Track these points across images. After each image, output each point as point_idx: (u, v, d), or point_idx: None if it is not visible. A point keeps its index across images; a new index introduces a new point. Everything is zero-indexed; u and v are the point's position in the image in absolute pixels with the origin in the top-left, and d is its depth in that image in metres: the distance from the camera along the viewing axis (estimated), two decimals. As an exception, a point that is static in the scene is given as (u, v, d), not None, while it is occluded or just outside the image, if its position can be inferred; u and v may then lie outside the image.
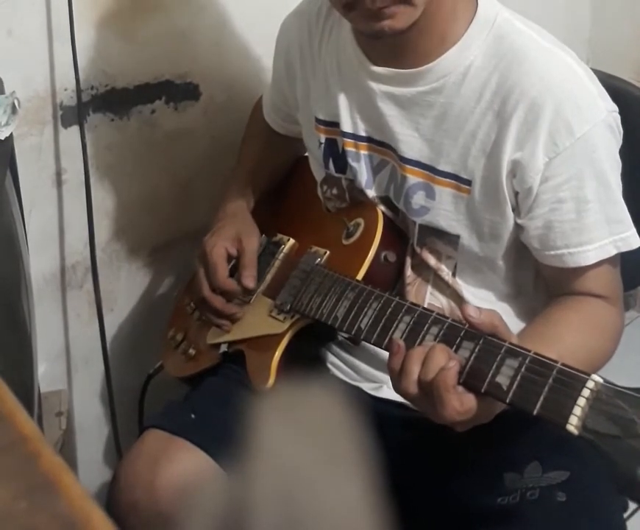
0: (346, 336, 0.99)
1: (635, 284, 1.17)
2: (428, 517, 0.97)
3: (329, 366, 1.09)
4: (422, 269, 1.00)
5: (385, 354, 0.87)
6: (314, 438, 0.33)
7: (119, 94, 1.29)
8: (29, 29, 1.17)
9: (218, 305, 1.08)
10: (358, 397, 1.02)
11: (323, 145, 1.05)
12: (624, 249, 0.90)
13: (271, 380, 0.97)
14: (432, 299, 1.00)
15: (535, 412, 0.69)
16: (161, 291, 1.47)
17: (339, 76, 1.01)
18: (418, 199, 0.96)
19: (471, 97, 0.90)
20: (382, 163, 1.00)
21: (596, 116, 0.86)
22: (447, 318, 0.81)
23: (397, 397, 1.03)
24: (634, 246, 0.91)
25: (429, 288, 1.00)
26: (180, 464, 0.95)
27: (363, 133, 1.00)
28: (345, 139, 1.02)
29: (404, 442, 1.00)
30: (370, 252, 0.98)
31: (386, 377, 1.04)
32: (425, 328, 0.81)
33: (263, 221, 1.18)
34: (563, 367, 0.70)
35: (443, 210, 0.94)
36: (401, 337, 0.83)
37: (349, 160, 1.02)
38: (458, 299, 0.99)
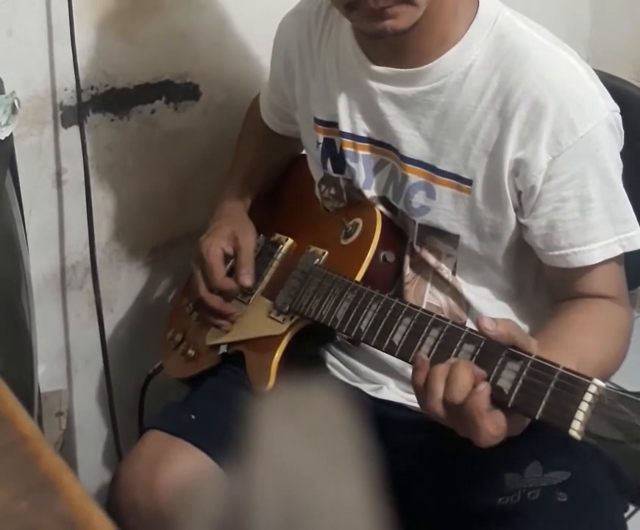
0: (345, 337, 0.99)
1: (636, 284, 1.17)
2: (428, 518, 0.97)
3: (329, 366, 1.09)
4: (421, 267, 1.00)
5: (385, 355, 0.87)
6: (314, 439, 0.33)
7: (119, 94, 1.29)
8: (29, 29, 1.17)
9: (216, 305, 1.08)
10: (358, 398, 1.02)
11: (321, 145, 1.05)
12: (629, 249, 0.90)
13: (271, 382, 0.97)
14: (431, 297, 1.00)
15: (537, 417, 0.69)
16: (161, 291, 1.47)
17: (338, 75, 1.01)
18: (419, 198, 0.96)
19: (472, 97, 0.90)
20: (382, 163, 1.00)
21: (599, 115, 0.86)
22: (447, 320, 0.80)
23: (397, 398, 1.03)
24: (639, 246, 0.90)
25: (429, 287, 1.00)
26: (180, 465, 0.95)
27: (362, 133, 1.00)
28: (343, 139, 1.01)
29: (404, 442, 1.00)
30: (369, 253, 0.98)
31: (386, 379, 1.04)
32: (425, 331, 0.81)
33: (261, 221, 1.18)
34: (565, 371, 0.69)
35: (444, 209, 0.94)
36: (401, 339, 0.83)
37: (347, 160, 1.02)
38: (458, 297, 0.99)
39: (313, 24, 1.05)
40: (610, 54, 1.91)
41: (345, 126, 1.01)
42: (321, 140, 1.05)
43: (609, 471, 0.90)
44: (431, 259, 0.98)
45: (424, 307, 0.95)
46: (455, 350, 0.77)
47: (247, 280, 1.08)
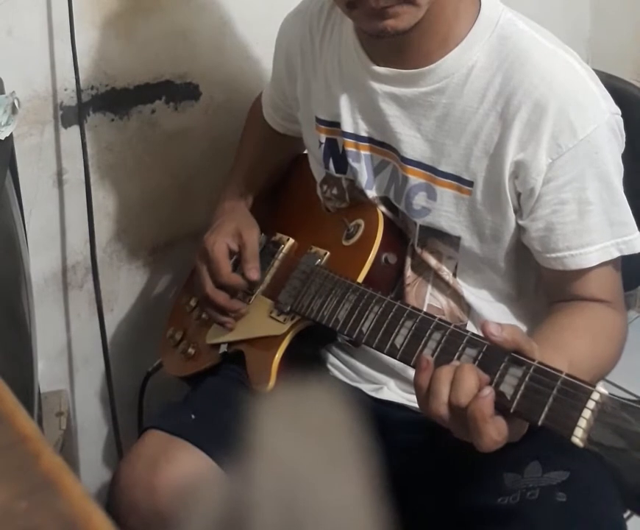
0: (347, 338, 0.99)
1: (636, 284, 1.17)
2: (428, 518, 0.97)
3: (330, 367, 1.09)
4: (422, 269, 1.00)
5: (386, 356, 0.87)
6: (314, 439, 0.33)
7: (119, 94, 1.29)
8: (29, 29, 1.17)
9: (222, 302, 1.08)
10: (358, 399, 1.02)
11: (323, 145, 1.05)
12: (627, 252, 0.90)
13: (272, 382, 0.97)
14: (432, 299, 0.99)
15: (539, 423, 0.68)
16: (161, 291, 1.47)
17: (340, 75, 1.01)
18: (420, 199, 0.95)
19: (473, 98, 0.90)
20: (383, 164, 1.00)
21: (600, 118, 0.86)
22: (450, 324, 0.80)
23: (397, 399, 1.03)
24: (637, 250, 0.90)
25: (430, 289, 0.99)
26: (180, 465, 0.95)
27: (363, 133, 1.00)
28: (345, 139, 1.01)
29: (404, 443, 1.00)
30: (370, 254, 0.98)
31: (386, 379, 1.04)
32: (427, 334, 0.80)
33: (262, 221, 1.17)
34: (568, 378, 0.69)
35: (445, 211, 0.94)
36: (403, 342, 0.83)
37: (350, 161, 1.02)
38: (458, 299, 0.99)
39: (314, 24, 1.05)
40: (610, 54, 1.92)
41: (347, 126, 1.01)
42: (323, 140, 1.05)
43: (608, 471, 0.90)
44: (432, 261, 0.98)
45: (425, 309, 0.95)
46: (458, 353, 0.76)
47: (254, 274, 1.08)
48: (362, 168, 1.01)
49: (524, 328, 0.99)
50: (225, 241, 1.10)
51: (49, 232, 1.30)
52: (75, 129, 1.25)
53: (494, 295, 0.99)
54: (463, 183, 0.92)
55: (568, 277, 0.91)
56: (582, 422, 0.66)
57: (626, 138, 0.91)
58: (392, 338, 0.84)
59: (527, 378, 0.71)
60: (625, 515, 0.95)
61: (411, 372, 0.79)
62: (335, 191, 1.07)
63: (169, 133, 1.37)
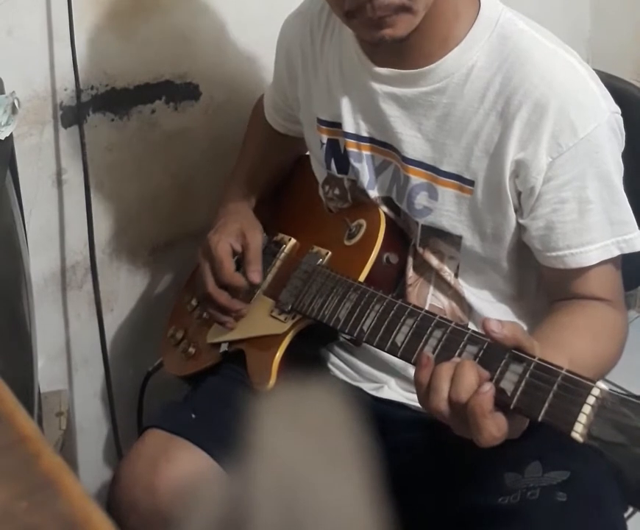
0: (348, 337, 0.99)
1: (636, 284, 1.17)
2: (429, 517, 0.97)
3: (330, 366, 1.09)
4: (424, 269, 1.00)
5: (386, 354, 0.87)
6: (315, 438, 0.33)
7: (119, 94, 1.29)
8: (29, 29, 1.17)
9: (224, 301, 1.08)
10: (359, 398, 1.02)
11: (325, 145, 1.05)
12: (627, 251, 0.90)
13: (272, 381, 0.97)
14: (434, 300, 0.99)
15: (539, 419, 0.69)
16: (161, 291, 1.47)
17: (341, 76, 1.01)
18: (421, 199, 0.95)
19: (474, 98, 0.90)
20: (385, 164, 1.00)
21: (600, 117, 0.86)
22: (450, 322, 0.80)
23: (398, 398, 1.03)
24: (637, 248, 0.90)
25: (431, 289, 0.99)
26: (180, 464, 0.95)
27: (365, 134, 1.00)
28: (347, 139, 1.01)
29: (404, 442, 1.00)
30: (372, 254, 0.98)
31: (387, 378, 1.04)
32: (428, 332, 0.80)
33: (265, 220, 1.17)
34: (568, 374, 0.69)
35: (446, 210, 0.94)
36: (404, 340, 0.83)
37: (352, 161, 1.02)
38: (460, 300, 0.99)
39: (315, 25, 1.06)
40: (610, 54, 1.92)
41: (348, 127, 1.01)
42: (324, 141, 1.05)
43: (610, 472, 0.90)
44: (434, 261, 0.98)
45: (426, 309, 0.95)
46: (458, 351, 0.77)
47: (256, 277, 1.08)
48: (364, 168, 1.01)
49: (525, 328, 0.98)
50: (229, 241, 1.10)
51: (49, 232, 1.30)
52: (75, 129, 1.25)
53: (496, 296, 0.99)
54: (464, 183, 0.92)
55: (568, 276, 0.91)
56: (582, 418, 0.66)
57: (626, 137, 0.91)
58: (393, 336, 0.84)
59: (527, 375, 0.71)
60: (626, 514, 0.95)
61: (412, 371, 0.79)
62: (337, 192, 1.07)
63: (169, 133, 1.37)
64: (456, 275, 0.98)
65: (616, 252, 0.89)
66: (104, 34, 1.25)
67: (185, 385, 1.18)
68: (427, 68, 0.91)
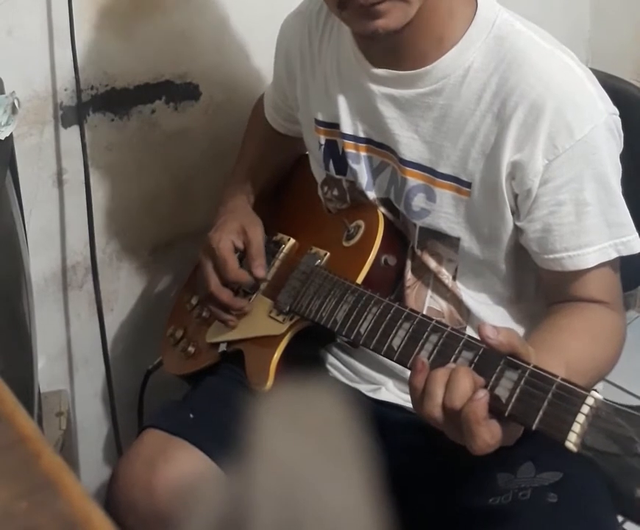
0: (345, 339, 0.99)
1: (635, 284, 1.17)
2: (429, 519, 0.97)
3: (329, 367, 1.09)
4: (422, 272, 0.99)
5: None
6: (314, 438, 0.33)
7: (119, 94, 1.29)
8: (29, 29, 1.17)
9: (226, 299, 1.08)
10: (357, 400, 1.02)
11: (323, 146, 1.05)
12: (625, 253, 0.89)
13: (270, 382, 0.97)
14: (432, 302, 0.99)
15: (534, 427, 0.68)
16: (161, 291, 1.47)
17: (339, 77, 1.01)
18: (419, 201, 0.95)
19: (470, 99, 0.90)
20: (382, 165, 1.00)
21: (597, 118, 0.86)
22: (447, 326, 0.80)
23: (395, 400, 1.03)
24: (636, 251, 0.89)
25: (429, 292, 0.99)
26: (178, 464, 0.95)
27: (362, 135, 1.00)
28: (345, 141, 1.01)
29: (401, 444, 1.00)
30: (370, 256, 0.98)
31: (385, 379, 1.04)
32: (425, 336, 0.80)
33: (264, 221, 1.17)
34: (563, 382, 0.69)
35: (444, 212, 0.94)
36: (400, 344, 0.83)
37: (350, 162, 1.02)
38: (457, 303, 0.98)
39: (313, 26, 1.06)
40: (610, 54, 1.91)
41: (346, 128, 1.01)
42: (322, 142, 1.05)
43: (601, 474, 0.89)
44: (432, 263, 0.98)
45: (424, 311, 0.95)
46: (454, 356, 0.77)
47: (260, 272, 1.08)
48: (361, 169, 1.01)
49: (523, 331, 0.98)
50: (230, 238, 1.10)
51: (49, 232, 1.30)
52: (75, 129, 1.25)
53: (494, 299, 0.99)
54: (461, 184, 0.92)
55: (566, 278, 0.91)
56: (577, 427, 0.66)
57: (625, 138, 0.91)
58: (389, 339, 0.84)
59: (522, 382, 0.71)
60: (621, 520, 0.94)
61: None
62: (335, 192, 1.07)
63: (169, 133, 1.37)
64: (454, 278, 0.98)
65: (614, 255, 0.89)
66: (104, 35, 1.25)
67: (186, 384, 1.18)
68: (423, 69, 0.91)
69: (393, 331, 0.84)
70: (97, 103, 1.27)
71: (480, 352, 0.75)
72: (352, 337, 0.89)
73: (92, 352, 1.38)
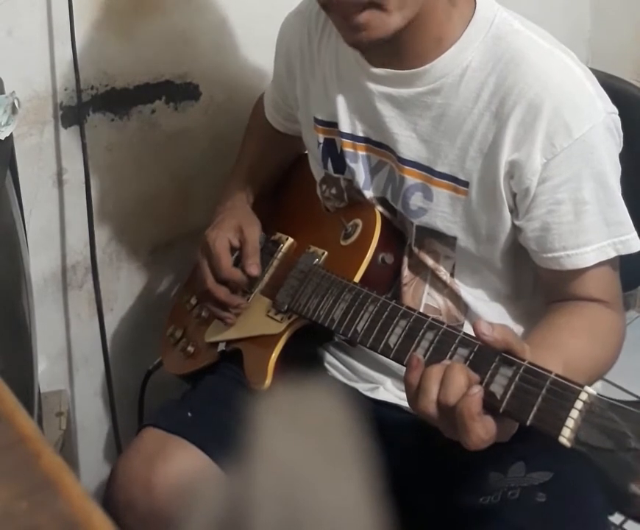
0: (342, 338, 0.99)
1: (635, 284, 1.17)
2: (427, 518, 0.97)
3: (327, 366, 1.10)
4: (420, 269, 1.00)
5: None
6: (312, 438, 0.33)
7: (119, 94, 1.29)
8: (29, 29, 1.17)
9: (222, 296, 1.08)
10: (355, 399, 1.02)
11: (322, 145, 1.06)
12: (624, 252, 0.89)
13: (268, 381, 0.97)
14: (429, 299, 0.99)
15: (528, 423, 0.69)
16: (161, 291, 1.47)
17: (337, 76, 1.01)
18: (416, 200, 0.96)
19: (468, 98, 0.90)
20: (380, 164, 1.00)
21: (595, 117, 0.86)
22: (443, 324, 0.80)
23: (392, 399, 1.03)
24: (634, 250, 0.89)
25: (427, 288, 0.99)
26: (177, 463, 0.95)
27: (361, 134, 1.00)
28: (343, 139, 1.02)
29: (399, 444, 1.00)
30: (367, 254, 0.98)
31: (383, 378, 1.04)
32: (420, 333, 0.81)
33: (263, 220, 1.18)
34: (557, 378, 0.69)
35: (441, 211, 0.94)
36: (396, 341, 0.83)
37: (347, 161, 1.02)
38: (456, 299, 0.99)
39: (313, 25, 1.06)
40: (610, 54, 1.91)
41: (344, 127, 1.01)
42: (321, 140, 1.05)
43: (592, 473, 0.89)
44: (429, 261, 0.98)
45: (422, 309, 0.96)
46: (450, 353, 0.77)
47: (255, 270, 1.08)
48: (359, 168, 1.01)
49: (522, 328, 0.99)
50: (226, 236, 1.10)
51: (49, 232, 1.30)
52: (75, 129, 1.25)
53: (492, 295, 0.99)
54: (458, 184, 0.92)
55: (565, 277, 0.91)
56: (570, 422, 0.66)
57: (625, 138, 0.91)
58: (386, 337, 0.84)
59: (516, 378, 0.71)
60: (623, 518, 0.94)
61: (408, 372, 0.79)
62: (334, 191, 1.08)
63: (169, 133, 1.37)
64: (452, 275, 0.98)
65: (613, 254, 0.89)
66: (105, 35, 1.25)
67: (185, 384, 1.19)
68: (422, 68, 0.91)
69: (390, 329, 0.84)
70: (97, 103, 1.27)
71: (476, 349, 0.75)
72: (349, 335, 0.90)
73: (92, 352, 1.38)
